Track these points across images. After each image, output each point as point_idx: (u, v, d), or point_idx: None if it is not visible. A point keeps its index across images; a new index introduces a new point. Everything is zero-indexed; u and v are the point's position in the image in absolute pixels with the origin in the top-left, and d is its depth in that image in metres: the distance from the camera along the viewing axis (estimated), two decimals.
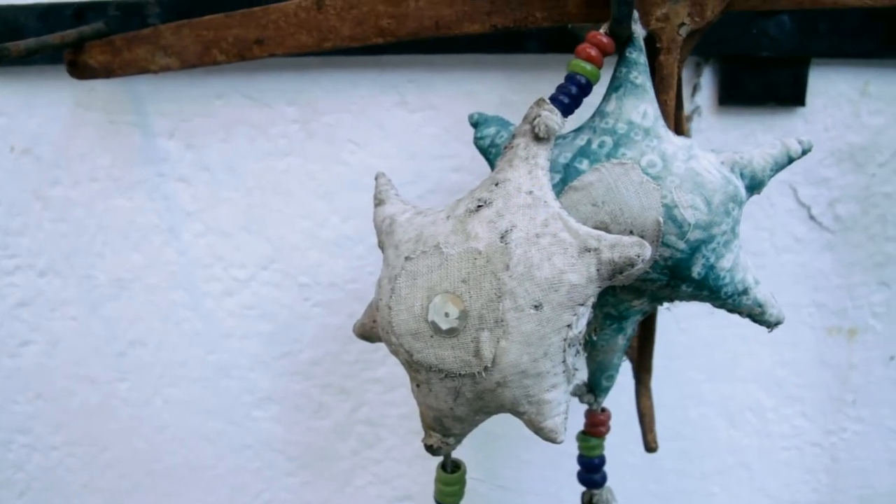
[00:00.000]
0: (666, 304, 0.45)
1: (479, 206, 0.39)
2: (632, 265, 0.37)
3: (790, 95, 0.56)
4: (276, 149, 0.57)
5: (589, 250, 0.37)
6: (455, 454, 0.46)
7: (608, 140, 0.40)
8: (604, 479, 0.49)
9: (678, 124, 0.49)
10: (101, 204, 0.58)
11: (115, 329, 0.60)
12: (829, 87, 0.57)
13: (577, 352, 0.39)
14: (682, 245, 0.39)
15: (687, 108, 0.57)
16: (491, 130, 0.43)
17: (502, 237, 0.37)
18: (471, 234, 0.38)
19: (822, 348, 0.63)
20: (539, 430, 0.39)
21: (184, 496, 0.65)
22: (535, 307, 0.37)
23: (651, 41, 0.43)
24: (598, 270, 0.37)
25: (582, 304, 0.37)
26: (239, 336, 0.60)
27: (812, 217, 0.59)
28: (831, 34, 0.54)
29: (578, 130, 0.42)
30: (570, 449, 0.63)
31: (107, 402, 0.62)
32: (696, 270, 0.39)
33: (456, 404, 0.40)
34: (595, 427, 0.47)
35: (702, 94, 0.56)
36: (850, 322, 0.62)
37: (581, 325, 0.38)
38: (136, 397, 0.62)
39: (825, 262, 0.60)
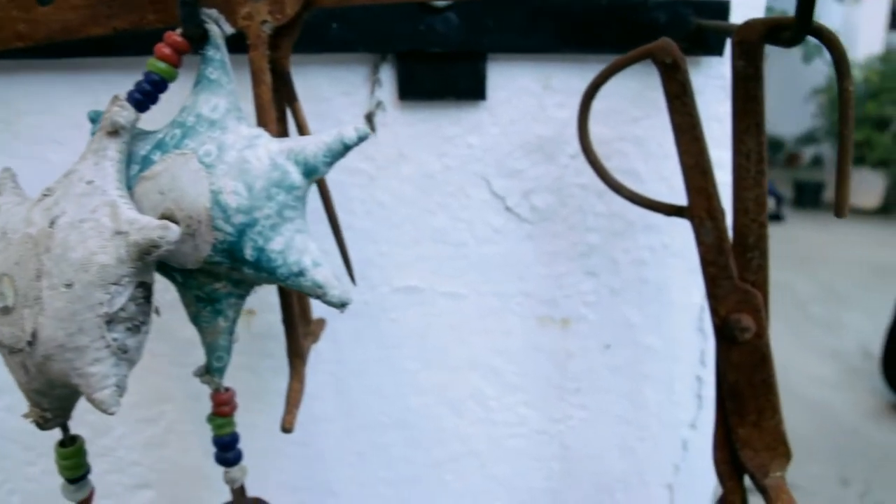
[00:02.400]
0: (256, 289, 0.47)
1: (45, 196, 0.42)
2: (157, 246, 0.39)
3: (469, 89, 0.58)
4: None
5: (120, 233, 0.39)
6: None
7: (178, 132, 0.43)
8: (237, 457, 0.50)
9: (296, 114, 0.51)
10: None
11: None
12: (512, 81, 0.59)
13: (129, 329, 0.42)
14: (229, 228, 0.41)
15: (370, 103, 0.59)
16: None
17: (52, 223, 0.40)
18: (30, 221, 0.41)
19: (537, 337, 0.64)
20: (92, 402, 0.41)
21: None
22: (67, 286, 0.39)
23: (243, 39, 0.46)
24: (127, 252, 0.39)
25: (115, 284, 0.40)
26: None
27: (508, 208, 0.61)
28: (501, 30, 0.56)
29: (167, 125, 0.45)
30: (302, 439, 0.65)
31: None
32: (248, 253, 0.42)
33: (29, 378, 0.42)
34: (219, 406, 0.49)
35: (383, 89, 0.58)
36: (562, 312, 0.64)
37: (119, 304, 0.40)
38: None
39: (527, 253, 0.62)
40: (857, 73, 6.08)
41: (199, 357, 0.47)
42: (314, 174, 0.43)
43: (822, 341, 3.52)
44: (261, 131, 0.43)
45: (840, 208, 0.49)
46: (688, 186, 0.50)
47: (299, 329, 0.53)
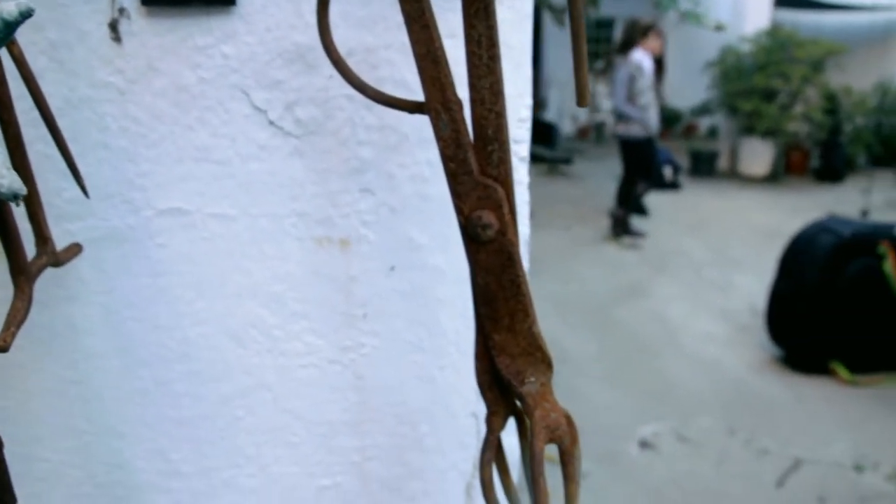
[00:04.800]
0: None
1: None
2: None
3: None
4: None
5: None
6: None
7: None
8: None
9: None
10: None
11: None
12: None
13: None
14: None
15: (111, 11, 0.55)
16: None
17: None
18: None
19: (315, 260, 0.62)
20: None
21: None
22: None
23: None
24: None
25: None
26: None
27: (272, 122, 0.58)
28: None
29: None
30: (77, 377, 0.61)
31: None
32: None
33: None
34: None
35: None
36: (340, 232, 0.61)
37: None
38: None
39: (296, 170, 0.59)
40: (745, 47, 6.30)
41: None
42: None
43: (715, 302, 3.64)
44: None
45: (581, 97, 0.48)
46: (423, 78, 0.48)
47: (21, 243, 0.48)
